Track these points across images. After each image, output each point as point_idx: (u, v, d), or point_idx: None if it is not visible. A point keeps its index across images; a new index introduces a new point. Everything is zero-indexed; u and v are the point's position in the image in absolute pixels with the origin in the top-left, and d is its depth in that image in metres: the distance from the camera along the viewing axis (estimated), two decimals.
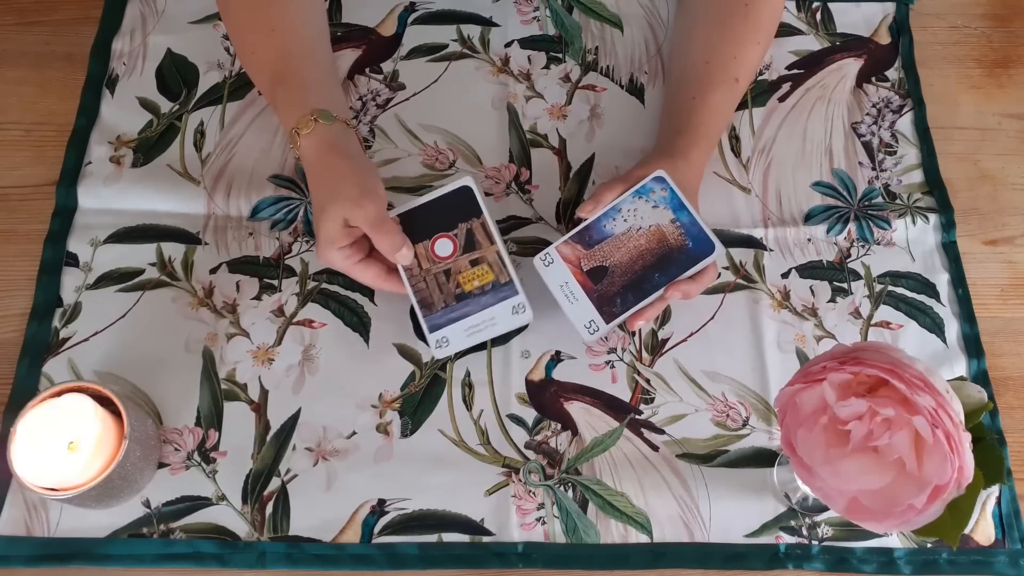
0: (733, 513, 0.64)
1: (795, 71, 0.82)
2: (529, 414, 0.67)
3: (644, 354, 0.69)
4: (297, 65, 0.69)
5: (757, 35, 0.74)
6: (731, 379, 0.68)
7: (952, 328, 0.71)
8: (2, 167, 0.75)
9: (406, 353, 0.68)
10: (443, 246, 0.66)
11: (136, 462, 0.59)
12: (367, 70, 0.80)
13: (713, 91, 0.72)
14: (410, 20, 0.83)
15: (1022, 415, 0.68)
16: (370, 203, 0.62)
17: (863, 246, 0.73)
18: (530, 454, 0.65)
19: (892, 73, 0.82)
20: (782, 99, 0.80)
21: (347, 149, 0.66)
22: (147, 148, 0.75)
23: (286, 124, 0.67)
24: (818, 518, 0.63)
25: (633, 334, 0.69)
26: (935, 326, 0.71)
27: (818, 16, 0.84)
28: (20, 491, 0.62)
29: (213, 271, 0.70)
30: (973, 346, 0.70)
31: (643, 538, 0.63)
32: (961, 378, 0.52)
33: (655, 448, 0.66)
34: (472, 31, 0.82)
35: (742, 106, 0.79)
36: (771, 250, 0.73)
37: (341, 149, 0.65)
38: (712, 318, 0.70)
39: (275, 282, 0.70)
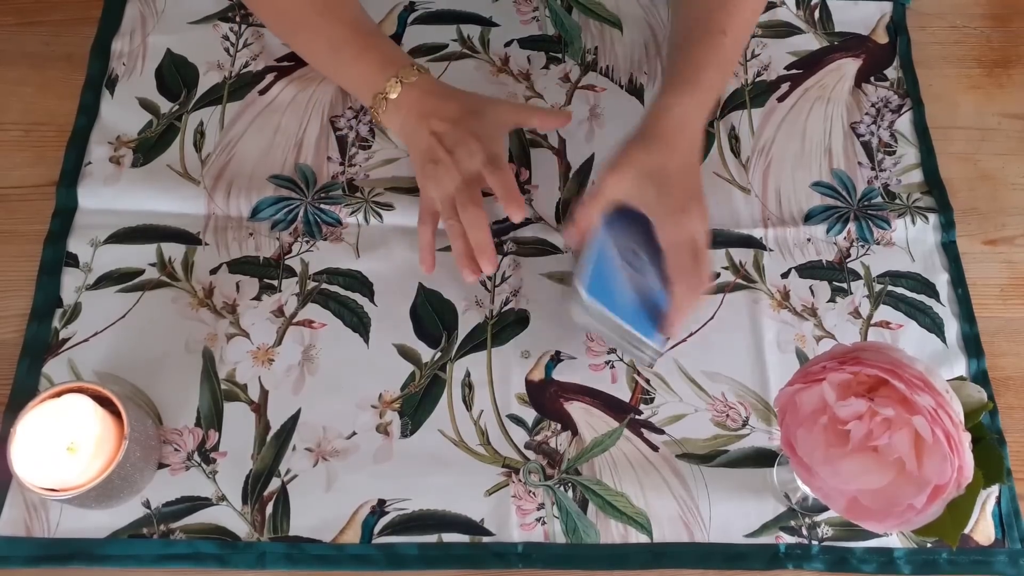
0: (733, 513, 0.64)
1: (794, 71, 0.82)
2: (529, 414, 0.67)
3: None
4: (371, 25, 0.72)
5: None
6: (731, 379, 0.68)
7: (952, 328, 0.71)
8: (2, 167, 0.75)
9: (406, 353, 0.68)
10: None
11: (136, 463, 0.59)
12: None
13: (695, 44, 0.68)
14: (410, 20, 0.83)
15: (1022, 415, 0.68)
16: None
17: (863, 246, 0.73)
18: (530, 454, 0.65)
19: (891, 73, 0.82)
20: (781, 99, 0.80)
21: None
22: (147, 148, 0.75)
23: (383, 73, 0.68)
24: (818, 518, 0.63)
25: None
26: (935, 326, 0.71)
27: (816, 14, 0.84)
28: (20, 491, 0.62)
29: (213, 271, 0.70)
30: (973, 346, 0.70)
31: (643, 538, 0.63)
32: (961, 378, 0.52)
33: (655, 448, 0.66)
34: (472, 31, 0.82)
35: (741, 106, 0.79)
36: (771, 250, 0.73)
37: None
38: (712, 318, 0.70)
39: (275, 282, 0.70)
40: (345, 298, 0.70)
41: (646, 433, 0.66)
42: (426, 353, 0.68)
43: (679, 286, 0.62)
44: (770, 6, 0.85)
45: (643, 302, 0.64)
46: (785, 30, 0.84)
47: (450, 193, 0.66)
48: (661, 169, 0.63)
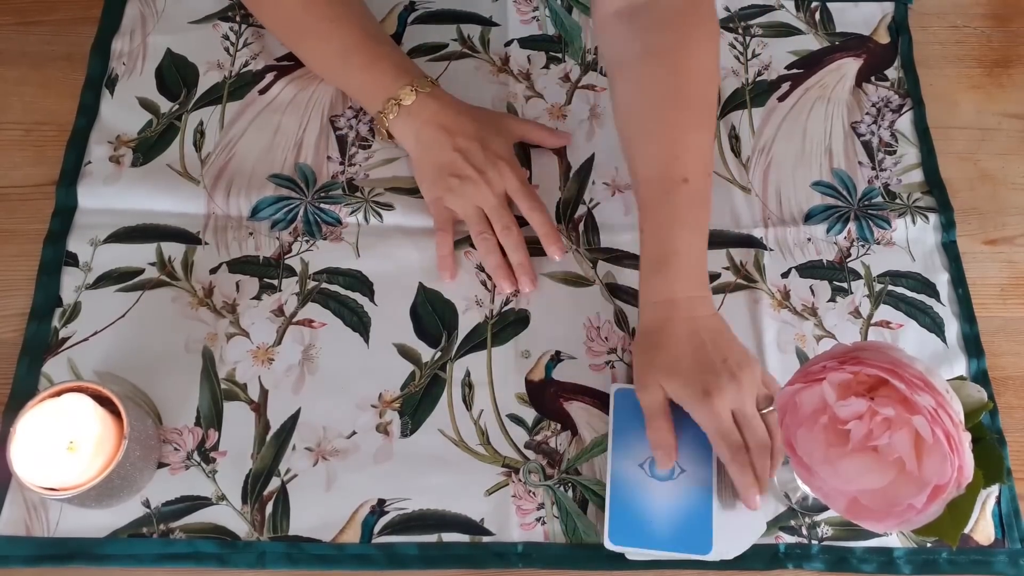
0: None
1: (794, 71, 0.82)
2: (529, 414, 0.66)
3: None
4: (382, 33, 0.75)
5: (698, 117, 0.66)
6: None
7: (952, 328, 0.70)
8: (2, 167, 0.75)
9: (406, 353, 0.68)
10: None
11: (136, 462, 0.59)
12: None
13: (658, 207, 0.64)
14: (410, 19, 0.83)
15: (1022, 415, 0.68)
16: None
17: (863, 246, 0.73)
18: (530, 454, 0.65)
19: (892, 72, 0.82)
20: (782, 99, 0.80)
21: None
22: (147, 148, 0.75)
23: (397, 81, 0.71)
24: (818, 518, 0.63)
25: None
26: (935, 326, 0.70)
27: (817, 16, 0.84)
28: (20, 491, 0.62)
29: (213, 271, 0.70)
30: (973, 346, 0.70)
31: None
32: (961, 378, 0.52)
33: None
34: (472, 31, 0.82)
35: (741, 105, 0.79)
36: (771, 250, 0.73)
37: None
38: None
39: (275, 282, 0.70)
40: (345, 298, 0.70)
41: None
42: (426, 353, 0.68)
43: (731, 469, 0.59)
44: (769, 9, 0.85)
45: (688, 514, 0.61)
46: (785, 30, 0.84)
47: (478, 208, 0.70)
48: (671, 365, 0.61)
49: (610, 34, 0.70)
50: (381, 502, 0.63)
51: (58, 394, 0.57)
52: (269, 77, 0.79)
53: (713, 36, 0.69)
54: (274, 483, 0.63)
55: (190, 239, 0.71)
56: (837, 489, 0.50)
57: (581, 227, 0.74)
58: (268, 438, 0.65)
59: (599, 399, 0.67)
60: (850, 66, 0.82)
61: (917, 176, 0.77)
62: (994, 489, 0.65)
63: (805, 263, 0.73)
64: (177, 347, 0.67)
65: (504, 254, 0.70)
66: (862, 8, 0.85)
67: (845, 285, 0.72)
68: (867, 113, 0.80)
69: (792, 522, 0.63)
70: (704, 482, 0.62)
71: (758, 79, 0.81)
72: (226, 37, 0.81)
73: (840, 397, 0.48)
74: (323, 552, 0.62)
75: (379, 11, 0.82)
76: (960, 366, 0.69)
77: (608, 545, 0.61)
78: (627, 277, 0.71)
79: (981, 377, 0.69)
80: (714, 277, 0.71)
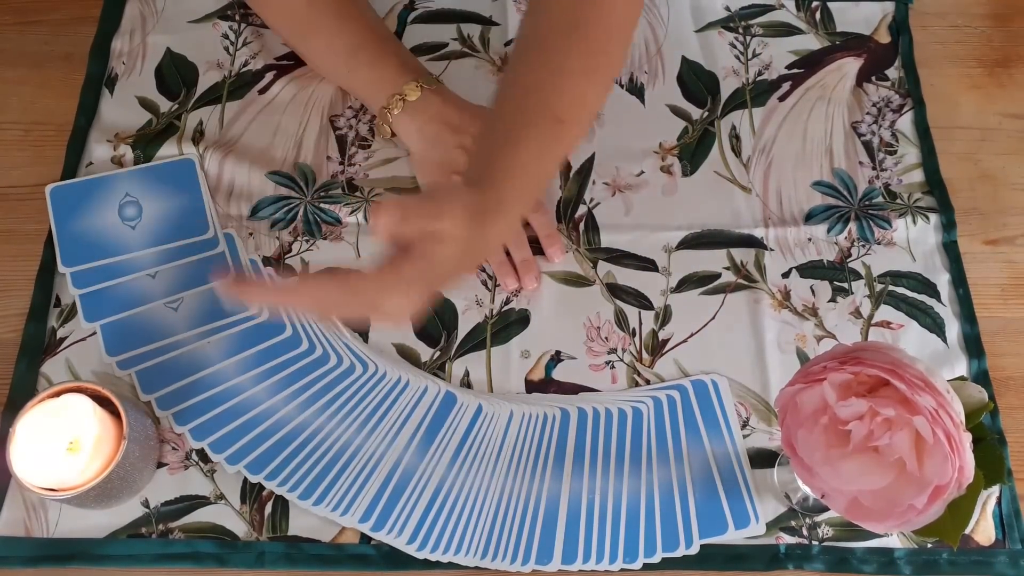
0: None
1: (795, 71, 0.81)
2: None
3: (644, 355, 0.69)
4: (387, 30, 0.75)
5: (591, 62, 0.60)
6: (731, 379, 0.68)
7: (953, 328, 0.70)
8: (1, 166, 0.75)
9: (405, 353, 0.68)
10: None
11: (135, 462, 0.59)
12: None
13: (528, 129, 0.57)
14: (410, 19, 0.83)
15: (1023, 415, 0.68)
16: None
17: (863, 246, 0.73)
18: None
19: (892, 72, 0.82)
20: (782, 98, 0.80)
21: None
22: (145, 147, 0.75)
23: (402, 77, 0.71)
24: (818, 518, 0.63)
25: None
26: (936, 326, 0.70)
27: (817, 15, 0.84)
28: (19, 491, 0.62)
29: None
30: (974, 346, 0.70)
31: None
32: (962, 378, 0.51)
33: None
34: (472, 30, 0.82)
35: (742, 105, 0.79)
36: (772, 250, 0.73)
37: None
38: (713, 318, 0.70)
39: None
40: None
41: None
42: (425, 352, 0.68)
43: None
44: (769, 9, 0.85)
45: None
46: (786, 30, 0.83)
47: None
48: None
49: None
50: None
51: (57, 394, 0.57)
52: (269, 76, 0.79)
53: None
54: None
55: None
56: (837, 490, 0.50)
57: (581, 227, 0.73)
58: None
59: None
60: (851, 66, 0.82)
61: (918, 176, 0.77)
62: (995, 490, 0.64)
63: (806, 263, 0.72)
64: None
65: (507, 252, 0.70)
66: (863, 8, 0.85)
67: (846, 285, 0.72)
68: (868, 113, 0.79)
69: (792, 523, 0.63)
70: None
71: (758, 79, 0.81)
72: (225, 36, 0.81)
73: (840, 398, 0.48)
74: (322, 552, 0.61)
75: (379, 10, 0.82)
76: (961, 366, 0.69)
77: (58, 254, 0.69)
78: (627, 277, 0.71)
79: (982, 377, 0.69)
80: (714, 277, 0.71)
